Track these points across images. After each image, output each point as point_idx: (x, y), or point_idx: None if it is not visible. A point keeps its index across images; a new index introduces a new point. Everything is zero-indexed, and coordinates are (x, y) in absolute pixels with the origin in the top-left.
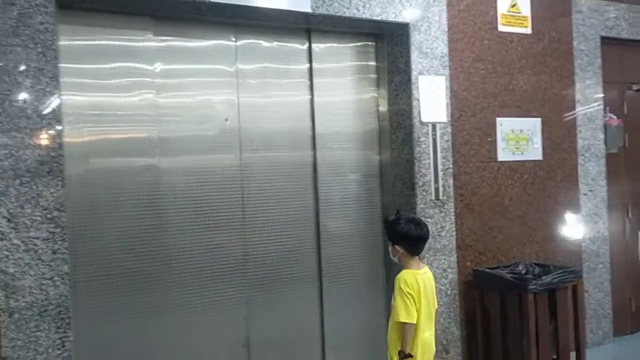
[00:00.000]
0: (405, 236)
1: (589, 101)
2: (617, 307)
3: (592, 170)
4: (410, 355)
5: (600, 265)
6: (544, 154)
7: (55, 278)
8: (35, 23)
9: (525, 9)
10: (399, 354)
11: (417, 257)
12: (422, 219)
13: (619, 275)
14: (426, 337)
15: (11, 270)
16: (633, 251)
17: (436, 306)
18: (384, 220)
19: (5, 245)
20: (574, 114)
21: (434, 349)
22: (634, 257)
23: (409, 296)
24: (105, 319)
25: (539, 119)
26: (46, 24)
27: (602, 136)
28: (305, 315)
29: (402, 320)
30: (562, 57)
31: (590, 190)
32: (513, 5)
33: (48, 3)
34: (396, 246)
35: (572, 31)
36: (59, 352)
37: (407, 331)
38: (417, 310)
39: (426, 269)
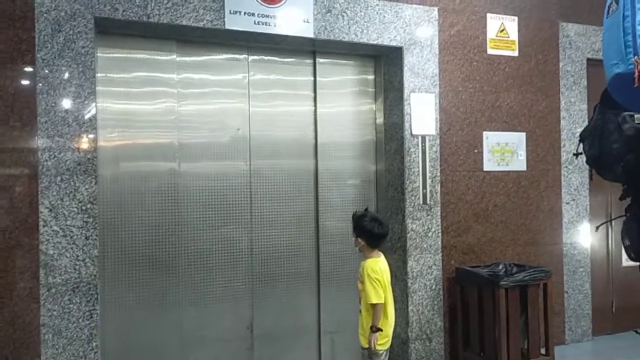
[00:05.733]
0: (368, 232)
1: (574, 118)
2: (598, 308)
3: (574, 181)
4: (380, 329)
5: (581, 269)
6: (528, 165)
7: (87, 260)
8: (78, 47)
9: (513, 34)
10: (371, 328)
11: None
12: (385, 218)
13: (601, 279)
14: (393, 313)
15: (51, 252)
16: (617, 257)
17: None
18: (353, 214)
19: (47, 231)
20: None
21: None
22: (617, 263)
23: (376, 281)
24: (127, 297)
25: (524, 134)
26: (87, 48)
27: None
28: (303, 303)
29: (374, 301)
30: (548, 77)
31: (573, 200)
32: (502, 30)
33: (88, 30)
34: (359, 238)
35: (559, 54)
36: (87, 322)
37: (378, 310)
38: (383, 292)
39: (382, 256)
